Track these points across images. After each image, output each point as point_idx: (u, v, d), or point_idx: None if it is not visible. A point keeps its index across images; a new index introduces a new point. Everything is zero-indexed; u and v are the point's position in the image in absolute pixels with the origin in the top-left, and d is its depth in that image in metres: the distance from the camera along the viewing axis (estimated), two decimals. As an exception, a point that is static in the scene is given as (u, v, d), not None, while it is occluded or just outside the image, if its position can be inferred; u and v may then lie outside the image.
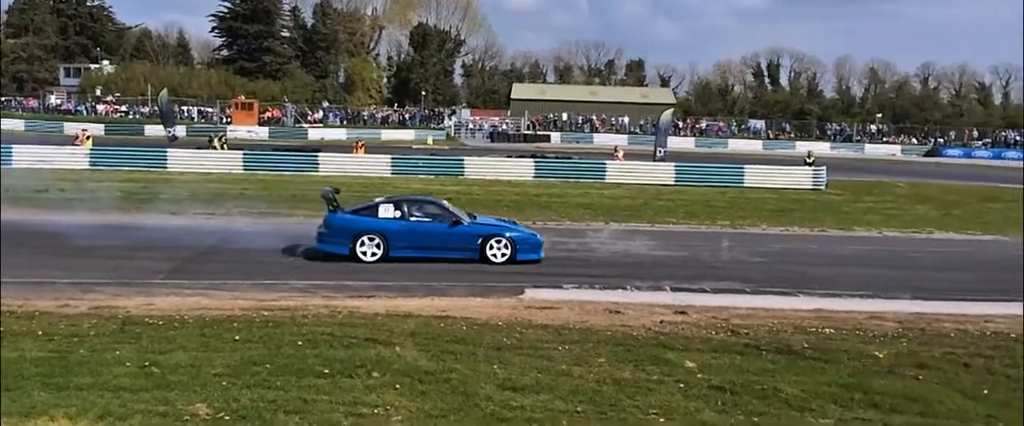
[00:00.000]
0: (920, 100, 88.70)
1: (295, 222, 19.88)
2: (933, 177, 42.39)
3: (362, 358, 8.94)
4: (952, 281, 15.45)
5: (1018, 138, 74.81)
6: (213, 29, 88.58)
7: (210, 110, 71.95)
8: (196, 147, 36.95)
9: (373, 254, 15.16)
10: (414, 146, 54.66)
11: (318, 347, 9.34)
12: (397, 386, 8.11)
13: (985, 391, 8.49)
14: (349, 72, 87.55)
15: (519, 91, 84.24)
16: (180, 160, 32.67)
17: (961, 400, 8.16)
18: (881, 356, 9.66)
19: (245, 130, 59.47)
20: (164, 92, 48.88)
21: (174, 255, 15.38)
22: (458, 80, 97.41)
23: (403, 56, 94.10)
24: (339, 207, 15.84)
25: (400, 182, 29.73)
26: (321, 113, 75.90)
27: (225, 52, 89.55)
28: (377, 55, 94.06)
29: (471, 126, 72.42)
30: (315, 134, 61.92)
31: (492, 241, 15.53)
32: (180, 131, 50.94)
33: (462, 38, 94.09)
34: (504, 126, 72.16)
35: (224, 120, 67.07)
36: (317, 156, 33.96)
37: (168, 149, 34.78)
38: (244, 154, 33.92)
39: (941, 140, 74.79)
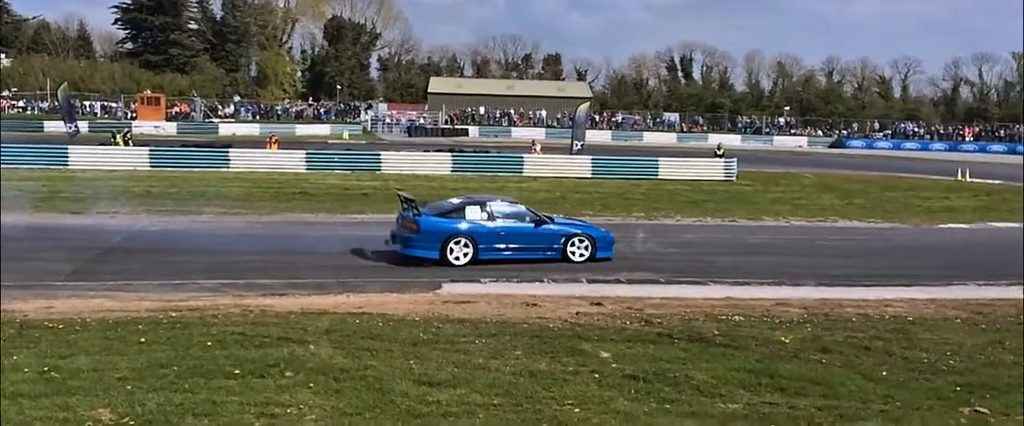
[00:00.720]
0: (825, 93, 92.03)
1: (205, 220, 19.35)
2: (837, 167, 44.00)
3: (275, 357, 8.75)
4: (854, 267, 16.08)
5: (916, 130, 78.38)
6: (116, 21, 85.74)
7: (114, 105, 69.39)
8: (99, 143, 35.57)
9: (464, 257, 14.72)
10: (330, 141, 53.84)
11: (228, 347, 9.10)
12: (311, 385, 7.97)
13: (884, 372, 8.84)
14: (261, 66, 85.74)
15: (437, 85, 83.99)
16: (82, 157, 31.39)
17: (862, 382, 8.48)
18: (787, 341, 9.97)
19: (152, 125, 57.58)
20: (64, 86, 46.87)
21: (76, 256, 14.77)
22: (374, 74, 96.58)
23: (317, 49, 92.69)
24: (418, 209, 15.22)
25: (315, 177, 29.27)
26: (232, 108, 74.10)
27: (129, 45, 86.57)
28: (290, 48, 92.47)
29: (388, 120, 71.85)
30: (226, 129, 60.41)
31: (574, 240, 15.44)
32: (82, 127, 48.92)
33: (378, 31, 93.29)
34: (422, 120, 71.88)
35: (129, 115, 64.79)
36: (227, 152, 33.09)
37: (69, 146, 33.37)
38: (151, 150, 32.83)
39: (845, 132, 77.76)
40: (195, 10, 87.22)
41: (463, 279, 13.59)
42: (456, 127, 69.87)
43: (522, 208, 15.82)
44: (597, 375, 8.55)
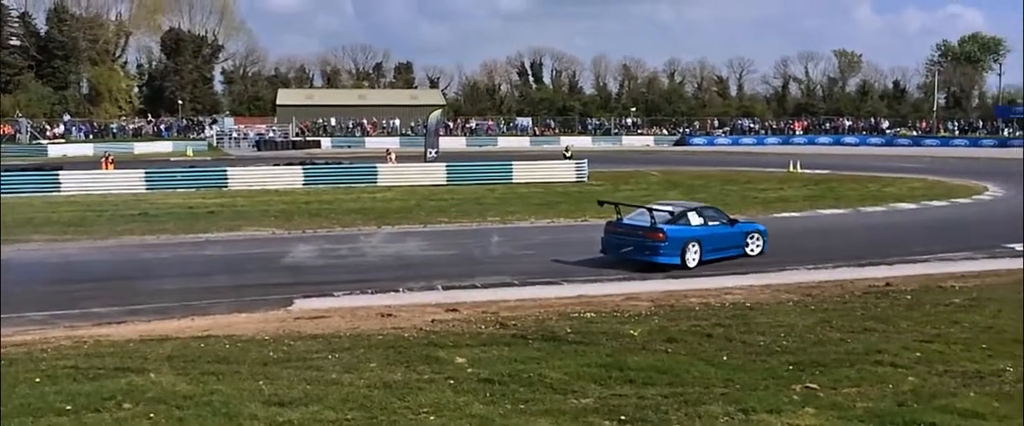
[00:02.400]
0: (668, 94, 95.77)
1: (33, 248, 18.04)
2: (682, 164, 46.03)
3: (111, 389, 8.24)
4: (697, 259, 16.80)
5: (752, 125, 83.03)
6: (-74, 38, 78.31)
7: (-73, 129, 63.69)
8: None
9: (694, 259, 15.81)
10: (172, 158, 51.43)
11: (59, 382, 8.50)
12: (152, 415, 7.56)
13: (725, 357, 9.28)
14: (93, 82, 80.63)
15: (285, 97, 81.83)
16: None
17: (704, 367, 8.86)
18: (636, 334, 10.31)
19: (-30, 150, 53.13)
20: None
21: None
22: (219, 87, 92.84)
23: (155, 63, 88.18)
24: (621, 216, 16.56)
25: (156, 197, 27.88)
26: (63, 127, 69.47)
27: (-58, 64, 79.42)
28: (125, 63, 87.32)
29: (235, 135, 69.35)
30: (56, 150, 56.61)
31: (751, 236, 16.95)
32: None
33: (220, 43, 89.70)
34: (271, 133, 69.83)
35: (-55, 139, 59.62)
36: (57, 175, 30.99)
37: None
38: (-31, 176, 30.28)
39: (687, 130, 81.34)
40: (16, 25, 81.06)
41: (315, 294, 13.29)
42: (308, 139, 68.34)
43: (718, 211, 17.48)
44: (452, 381, 8.54)
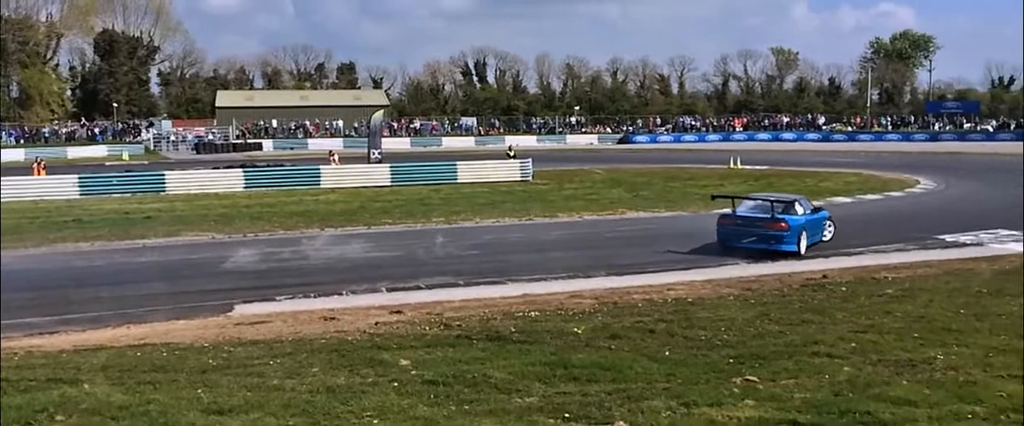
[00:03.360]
0: (611, 92, 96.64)
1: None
2: (625, 162, 46.49)
3: (42, 401, 7.99)
4: (641, 256, 16.97)
5: (693, 123, 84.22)
6: None
7: None
8: None
9: (804, 246, 16.95)
10: (107, 163, 50.12)
11: (-13, 397, 8.22)
12: (85, 427, 7.36)
13: (667, 352, 9.40)
14: (24, 85, 78.11)
15: (225, 98, 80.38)
16: None
17: (647, 363, 8.96)
18: (580, 332, 10.37)
19: None
20: None
21: None
22: (155, 89, 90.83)
23: (88, 66, 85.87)
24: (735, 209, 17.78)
25: (90, 203, 27.13)
26: (-9, 132, 67.21)
27: None
28: (57, 65, 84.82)
29: (173, 138, 67.91)
30: (-16, 156, 54.60)
31: (826, 222, 18.29)
32: None
33: (156, 44, 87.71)
34: (210, 136, 68.52)
35: None
36: (-15, 181, 29.90)
37: None
38: None
39: (631, 128, 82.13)
40: (-59, 27, 78.21)
41: (257, 299, 13.08)
42: (249, 142, 67.23)
43: (807, 201, 18.42)
44: (396, 384, 8.48)
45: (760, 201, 17.82)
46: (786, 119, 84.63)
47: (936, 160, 46.34)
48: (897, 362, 8.84)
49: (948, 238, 18.56)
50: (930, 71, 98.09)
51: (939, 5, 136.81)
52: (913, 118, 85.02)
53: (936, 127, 79.29)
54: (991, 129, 76.11)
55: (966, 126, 78.44)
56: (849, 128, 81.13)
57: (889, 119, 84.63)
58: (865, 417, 7.08)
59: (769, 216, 16.83)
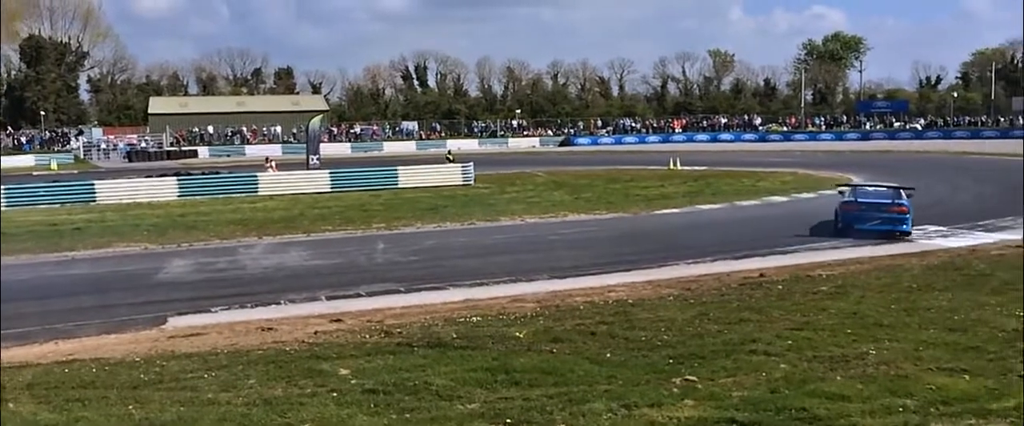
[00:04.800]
0: (552, 95, 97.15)
1: None
2: (567, 165, 46.73)
3: (-37, 424, 7.66)
4: (582, 258, 17.04)
5: (634, 125, 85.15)
6: None
7: None
8: None
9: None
10: (34, 172, 48.53)
11: (-98, 421, 7.84)
12: (9, 449, 7.07)
13: (608, 354, 9.42)
14: (-55, 93, 75.33)
15: (158, 105, 78.58)
16: None
17: (588, 366, 8.97)
18: (521, 336, 10.34)
19: None
20: None
21: None
22: (85, 96, 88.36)
23: (14, 73, 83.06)
24: (843, 195, 20.34)
25: (16, 214, 26.20)
26: (-89, 142, 64.60)
27: None
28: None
29: (104, 146, 66.14)
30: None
31: None
32: None
33: (85, 50, 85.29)
34: (143, 144, 66.94)
35: None
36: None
37: None
38: None
39: (572, 130, 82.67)
40: None
41: (191, 310, 12.76)
42: (183, 149, 65.81)
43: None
44: (335, 394, 8.34)
45: (876, 188, 20.61)
46: (724, 120, 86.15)
47: (868, 159, 47.65)
48: (831, 358, 9.01)
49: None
50: (861, 72, 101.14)
51: (869, 7, 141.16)
52: (845, 117, 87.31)
53: (867, 126, 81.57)
54: (919, 127, 78.68)
55: (896, 125, 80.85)
56: (784, 128, 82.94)
57: (822, 119, 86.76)
58: (801, 413, 7.20)
59: (891, 201, 19.14)
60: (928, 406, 7.35)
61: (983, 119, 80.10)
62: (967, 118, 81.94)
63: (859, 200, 19.47)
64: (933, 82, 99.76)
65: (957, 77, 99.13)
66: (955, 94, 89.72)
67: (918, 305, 11.69)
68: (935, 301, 11.92)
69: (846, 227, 18.96)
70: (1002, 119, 79.19)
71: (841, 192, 20.94)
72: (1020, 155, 41.93)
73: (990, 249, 16.87)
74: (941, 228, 19.92)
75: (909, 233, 18.68)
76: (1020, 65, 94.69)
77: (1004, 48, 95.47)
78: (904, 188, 19.97)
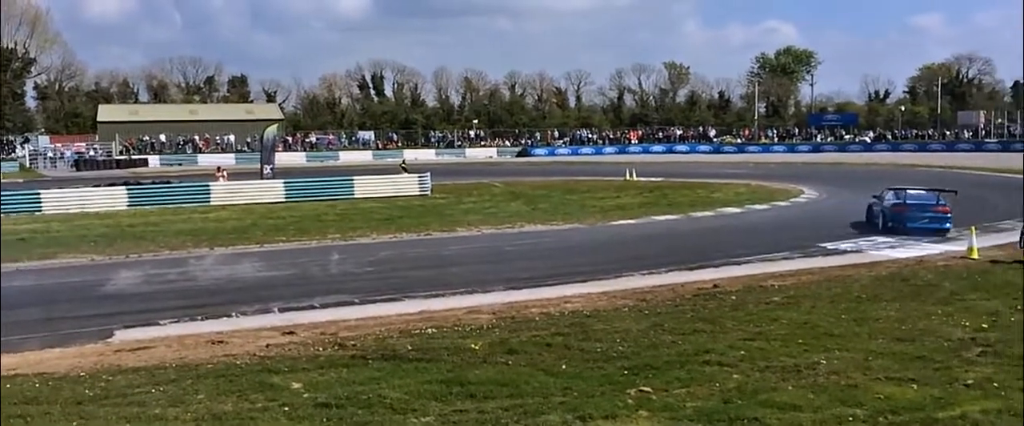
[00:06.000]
0: (509, 105, 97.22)
1: None
2: (524, 175, 46.80)
3: None
4: (539, 269, 17.04)
5: (590, 136, 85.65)
6: None
7: None
8: None
9: None
10: (-21, 181, 47.19)
11: None
12: (-56, 470, 6.82)
13: (563, 366, 9.42)
14: None
15: (107, 113, 77.05)
16: None
17: (544, 378, 8.95)
18: (477, 348, 10.28)
19: None
20: None
21: None
22: (32, 103, 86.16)
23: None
24: (880, 197, 22.62)
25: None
26: None
27: None
28: (-78, 78, 79.51)
29: (51, 154, 64.63)
30: None
31: None
32: None
33: (32, 56, 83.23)
34: (91, 152, 65.57)
35: None
36: None
37: None
38: None
39: (529, 141, 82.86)
40: None
41: (139, 323, 12.47)
42: (133, 157, 64.60)
43: None
44: (287, 408, 8.21)
45: (921, 191, 22.73)
46: (679, 132, 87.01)
47: (819, 171, 48.49)
48: (783, 368, 9.11)
49: (829, 246, 19.37)
50: (812, 85, 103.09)
51: (820, 22, 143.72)
52: (797, 130, 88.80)
53: (818, 139, 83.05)
54: (868, 140, 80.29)
55: (846, 137, 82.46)
56: (738, 140, 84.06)
57: (775, 131, 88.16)
58: (753, 423, 7.26)
59: (936, 201, 21.57)
60: (877, 415, 7.46)
61: (930, 132, 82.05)
62: (914, 131, 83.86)
63: (908, 202, 21.66)
64: (882, 96, 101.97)
65: (905, 91, 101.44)
66: (903, 108, 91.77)
67: (867, 315, 11.89)
68: (883, 311, 12.14)
69: (896, 225, 21.08)
70: (948, 132, 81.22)
71: (876, 198, 22.99)
72: (966, 168, 43.10)
73: (936, 260, 17.25)
74: (889, 239, 20.32)
75: (948, 230, 20.72)
76: (965, 80, 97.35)
77: (950, 63, 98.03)
78: (945, 191, 22.30)
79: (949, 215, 21.08)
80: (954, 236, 20.21)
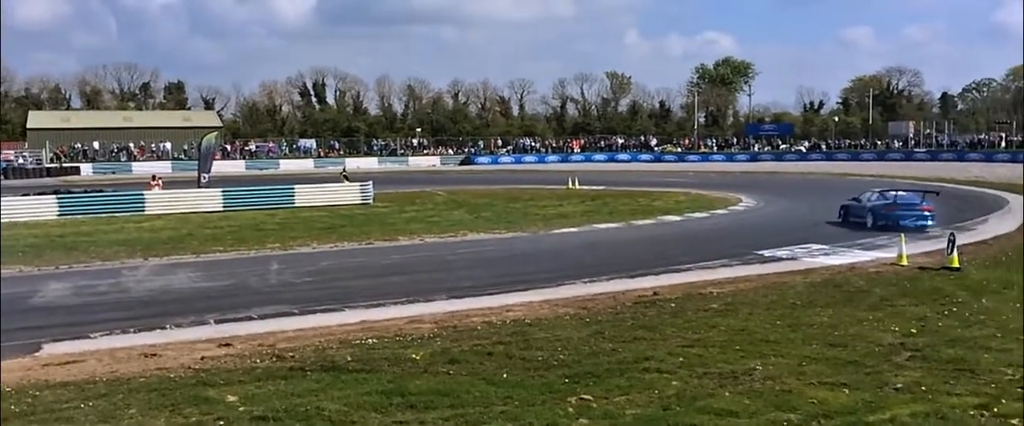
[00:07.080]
0: (453, 114, 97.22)
1: None
2: (467, 183, 46.74)
3: None
4: (481, 278, 17.00)
5: (533, 144, 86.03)
6: None
7: None
8: None
9: None
10: (-101, 190, 45.30)
11: None
12: None
13: (504, 375, 9.40)
14: None
15: (37, 119, 74.84)
16: None
17: (485, 387, 8.92)
18: (418, 358, 10.21)
19: None
20: None
21: None
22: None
23: None
24: (858, 199, 25.44)
25: None
26: None
27: None
28: None
29: (-23, 162, 62.30)
30: None
31: None
32: None
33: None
34: (21, 160, 63.51)
35: None
36: None
37: None
38: None
39: (472, 149, 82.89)
40: None
41: (68, 336, 12.08)
42: (64, 165, 62.77)
43: None
44: (222, 422, 8.03)
45: (904, 192, 25.11)
46: (621, 141, 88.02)
47: (757, 180, 49.49)
48: (721, 374, 9.25)
49: (766, 253, 19.74)
50: (750, 95, 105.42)
51: (757, 34, 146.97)
52: (735, 139, 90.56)
53: (756, 148, 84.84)
54: (804, 150, 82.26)
55: (782, 147, 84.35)
56: (678, 149, 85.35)
57: (714, 141, 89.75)
58: (692, 430, 7.35)
59: (921, 201, 23.98)
60: (810, 420, 7.62)
61: (862, 142, 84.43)
62: (847, 141, 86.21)
63: (897, 201, 24.04)
64: (816, 106, 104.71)
65: (838, 102, 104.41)
66: (836, 118, 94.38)
67: (801, 321, 12.15)
68: (817, 317, 12.42)
69: (888, 223, 23.01)
70: (879, 142, 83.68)
71: (855, 200, 25.69)
72: (896, 177, 44.41)
73: (867, 267, 17.71)
74: (823, 246, 20.82)
75: (930, 227, 23.01)
76: (895, 91, 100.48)
77: (881, 75, 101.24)
78: (928, 192, 24.89)
79: (932, 213, 23.53)
80: (936, 234, 22.23)
